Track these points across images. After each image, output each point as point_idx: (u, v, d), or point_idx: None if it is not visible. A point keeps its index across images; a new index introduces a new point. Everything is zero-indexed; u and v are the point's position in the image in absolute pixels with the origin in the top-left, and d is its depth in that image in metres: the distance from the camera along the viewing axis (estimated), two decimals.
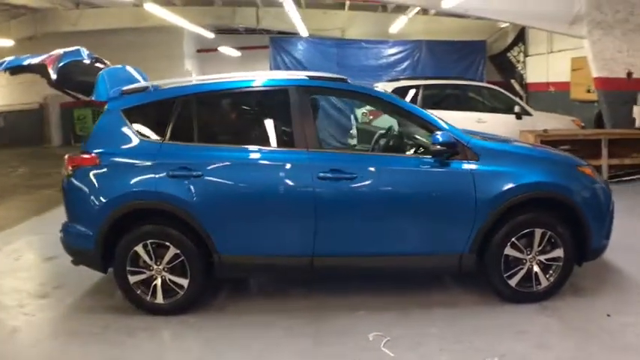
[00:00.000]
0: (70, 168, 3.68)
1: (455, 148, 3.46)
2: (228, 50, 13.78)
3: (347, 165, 3.50)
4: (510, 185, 3.52)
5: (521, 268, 3.65)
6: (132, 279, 3.63)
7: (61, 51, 3.84)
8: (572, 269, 3.74)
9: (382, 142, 4.65)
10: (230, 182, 3.56)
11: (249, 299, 3.94)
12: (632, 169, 7.16)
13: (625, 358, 3.02)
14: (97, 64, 4.11)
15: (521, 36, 12.85)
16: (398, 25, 12.04)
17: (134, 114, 3.74)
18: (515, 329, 3.38)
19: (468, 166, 3.53)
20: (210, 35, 12.33)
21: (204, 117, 3.90)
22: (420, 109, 3.73)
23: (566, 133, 7.84)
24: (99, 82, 3.76)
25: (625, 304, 3.67)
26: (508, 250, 3.60)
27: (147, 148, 3.65)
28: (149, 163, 3.59)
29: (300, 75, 3.90)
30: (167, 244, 3.55)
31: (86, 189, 3.63)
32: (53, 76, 3.69)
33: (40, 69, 3.75)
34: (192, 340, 3.37)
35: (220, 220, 3.53)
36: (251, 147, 3.70)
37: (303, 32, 11.62)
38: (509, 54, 13.23)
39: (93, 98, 3.81)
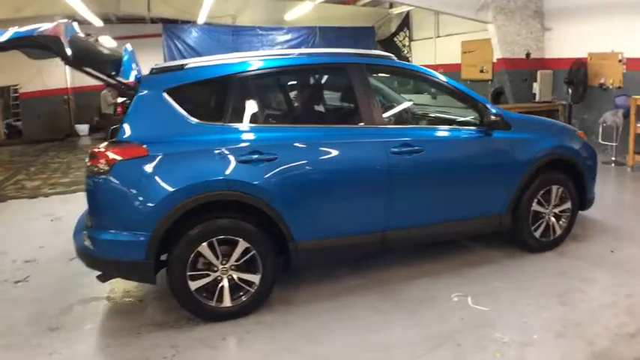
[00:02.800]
0: (105, 163, 3.23)
1: (501, 119, 4.01)
2: (106, 40, 12.81)
3: (414, 139, 3.80)
4: (538, 149, 4.21)
5: (543, 221, 4.36)
6: (193, 285, 3.35)
7: (60, 22, 3.29)
8: (576, 218, 4.58)
9: None
10: (306, 164, 3.51)
11: (302, 288, 3.91)
12: None
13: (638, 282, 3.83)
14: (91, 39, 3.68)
15: (406, 22, 14.14)
16: (298, 11, 12.47)
17: (180, 94, 3.43)
18: (555, 271, 4.08)
19: (505, 134, 4.10)
20: (99, 23, 11.41)
21: (266, 96, 3.77)
22: (463, 85, 4.20)
23: None
24: (126, 60, 3.47)
25: (617, 241, 4.59)
26: (535, 206, 4.28)
27: (206, 132, 3.40)
28: (214, 149, 3.34)
29: (352, 52, 4.03)
30: (236, 238, 3.37)
31: (134, 186, 3.24)
32: (69, 52, 3.18)
33: (52, 42, 3.17)
34: (288, 337, 3.27)
35: (298, 206, 3.48)
36: (323, 126, 3.76)
37: (202, 19, 11.39)
38: (395, 39, 14.47)
39: (121, 78, 3.46)
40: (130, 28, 13.45)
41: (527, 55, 9.22)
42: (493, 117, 3.93)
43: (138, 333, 3.40)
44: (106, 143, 3.42)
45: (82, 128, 13.97)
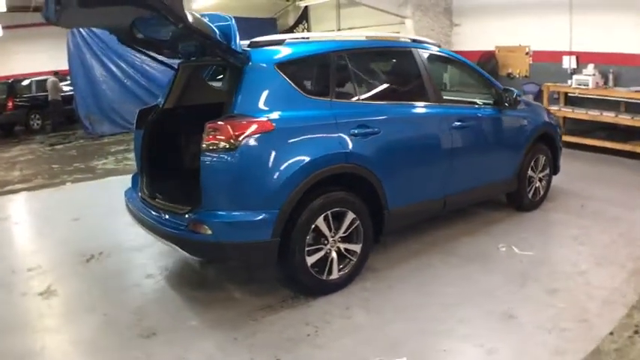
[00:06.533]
0: (231, 138, 3.16)
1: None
2: None
3: (464, 115, 4.55)
4: (535, 124, 5.26)
5: (532, 185, 5.43)
6: (309, 260, 3.50)
7: None
8: (551, 182, 5.73)
9: None
10: (400, 138, 3.97)
11: (372, 257, 4.15)
12: None
13: (617, 224, 5.01)
14: None
15: (304, 15, 14.86)
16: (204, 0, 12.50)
17: (289, 69, 3.53)
18: (554, 223, 5.20)
19: (515, 112, 5.06)
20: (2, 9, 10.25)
21: (360, 73, 4.10)
22: (486, 73, 5.05)
23: None
24: (233, 31, 3.30)
25: (579, 199, 5.82)
26: (529, 172, 5.31)
27: (319, 107, 3.56)
28: (330, 123, 3.52)
29: (406, 38, 4.64)
30: (346, 210, 3.62)
31: (262, 162, 3.25)
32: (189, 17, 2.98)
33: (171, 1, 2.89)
34: (403, 296, 3.69)
35: (393, 176, 3.87)
36: (406, 102, 4.21)
37: None
38: (294, 31, 15.11)
39: (233, 48, 3.28)
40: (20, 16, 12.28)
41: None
42: (517, 98, 4.85)
43: (253, 320, 3.43)
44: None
45: None
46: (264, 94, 3.39)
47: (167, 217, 3.69)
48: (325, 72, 3.83)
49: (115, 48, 11.40)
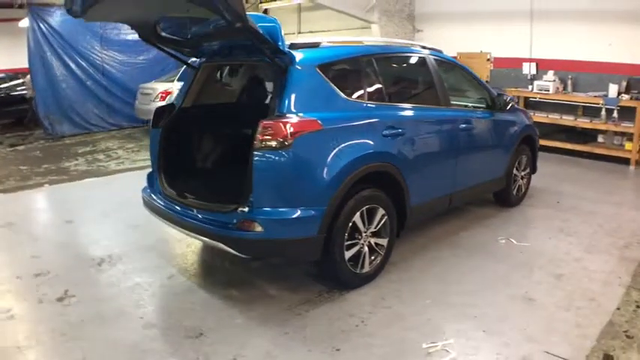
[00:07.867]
0: (285, 137, 3.30)
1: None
2: None
3: (468, 117, 4.97)
4: (521, 127, 5.77)
5: (516, 182, 5.94)
6: (347, 254, 3.69)
7: None
8: (531, 180, 6.27)
9: None
10: (421, 138, 4.29)
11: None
12: None
13: (594, 217, 5.63)
14: None
15: None
16: None
17: (329, 71, 3.71)
18: (539, 216, 5.71)
19: (507, 115, 5.54)
20: None
21: (386, 77, 4.36)
22: (481, 79, 5.47)
23: None
24: (280, 32, 3.36)
25: (553, 196, 6.42)
26: (515, 171, 5.82)
27: (356, 108, 3.80)
28: (367, 124, 3.77)
29: (416, 44, 4.97)
30: (377, 206, 3.87)
31: (312, 160, 3.44)
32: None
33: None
34: (428, 285, 4.00)
35: (413, 174, 4.17)
36: (423, 106, 4.52)
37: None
38: None
39: (281, 47, 3.38)
40: None
41: None
42: (510, 102, 5.33)
43: (298, 314, 3.59)
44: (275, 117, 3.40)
45: None
46: (309, 94, 3.58)
47: (205, 215, 3.75)
48: (359, 75, 4.10)
49: (75, 46, 11.16)
